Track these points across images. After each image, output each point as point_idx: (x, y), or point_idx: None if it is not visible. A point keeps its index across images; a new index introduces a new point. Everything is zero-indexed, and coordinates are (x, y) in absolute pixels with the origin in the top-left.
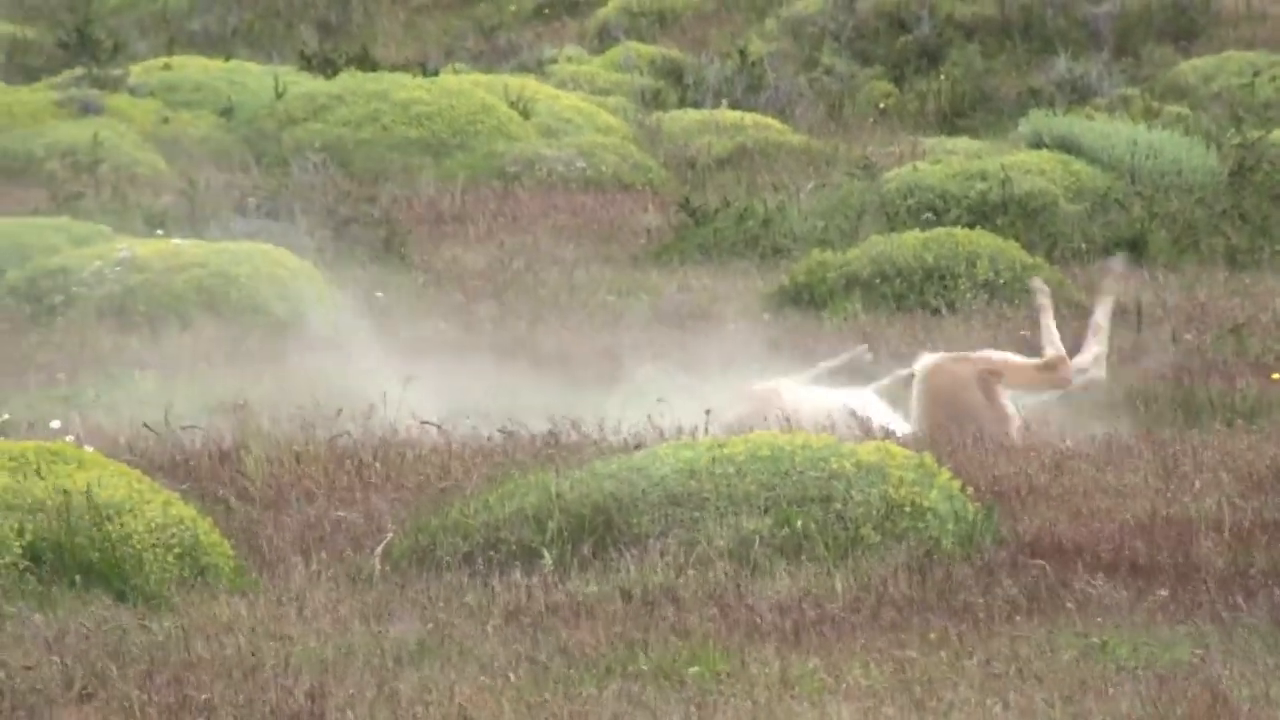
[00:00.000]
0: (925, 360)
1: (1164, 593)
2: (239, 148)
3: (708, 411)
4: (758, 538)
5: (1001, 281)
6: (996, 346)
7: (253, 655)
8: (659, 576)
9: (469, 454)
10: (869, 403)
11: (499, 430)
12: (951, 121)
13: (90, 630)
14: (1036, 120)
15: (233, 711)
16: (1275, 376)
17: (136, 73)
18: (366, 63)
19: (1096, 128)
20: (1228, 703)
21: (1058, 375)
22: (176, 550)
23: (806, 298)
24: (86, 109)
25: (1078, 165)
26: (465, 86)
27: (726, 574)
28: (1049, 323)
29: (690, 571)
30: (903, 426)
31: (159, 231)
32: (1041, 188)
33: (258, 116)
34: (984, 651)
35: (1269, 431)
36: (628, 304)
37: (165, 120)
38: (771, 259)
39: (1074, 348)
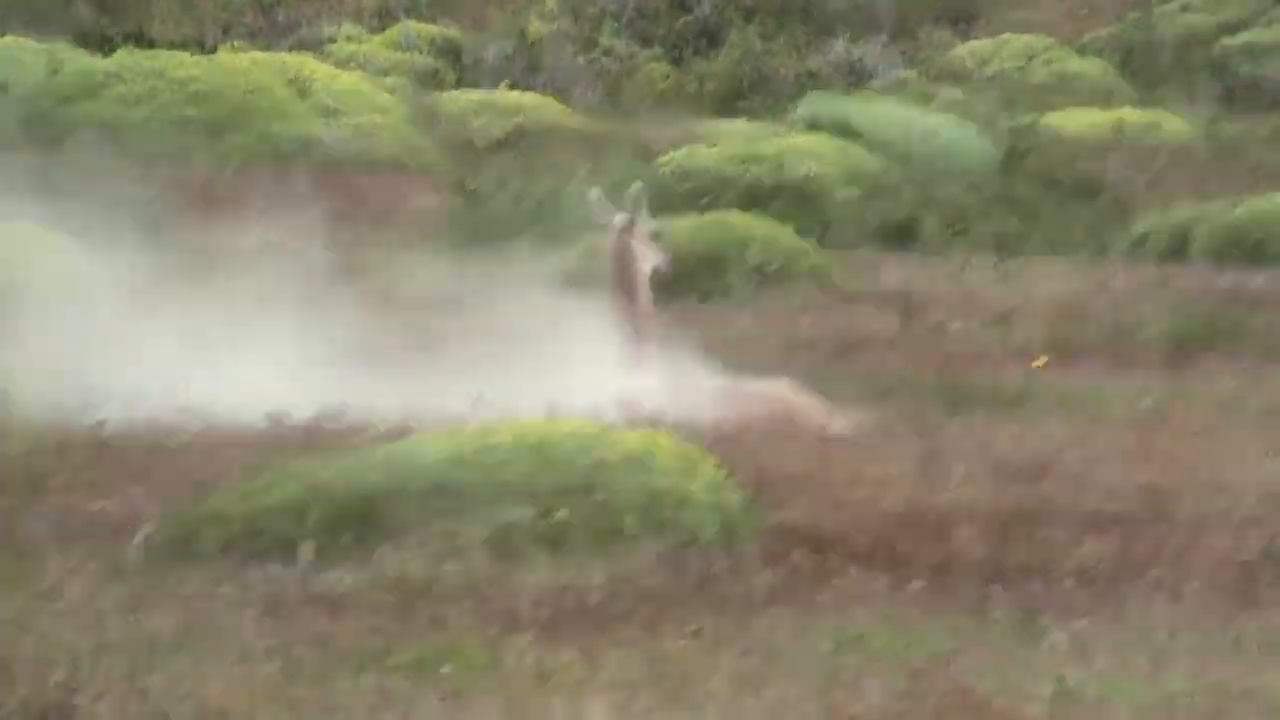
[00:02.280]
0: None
1: (921, 583)
2: (12, 126)
3: (474, 398)
4: (518, 528)
5: (772, 267)
6: (766, 332)
7: (4, 649)
8: (418, 568)
9: (232, 442)
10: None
11: (263, 417)
12: (730, 104)
13: None
14: (814, 103)
15: None
16: (1035, 364)
17: None
18: (143, 40)
19: (873, 111)
20: (975, 695)
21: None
22: None
23: (583, 281)
24: None
25: (853, 149)
26: (243, 64)
27: (485, 565)
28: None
29: (450, 563)
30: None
31: None
32: (816, 172)
33: (31, 94)
34: (740, 643)
35: (1031, 421)
36: (400, 286)
37: None
38: (547, 241)
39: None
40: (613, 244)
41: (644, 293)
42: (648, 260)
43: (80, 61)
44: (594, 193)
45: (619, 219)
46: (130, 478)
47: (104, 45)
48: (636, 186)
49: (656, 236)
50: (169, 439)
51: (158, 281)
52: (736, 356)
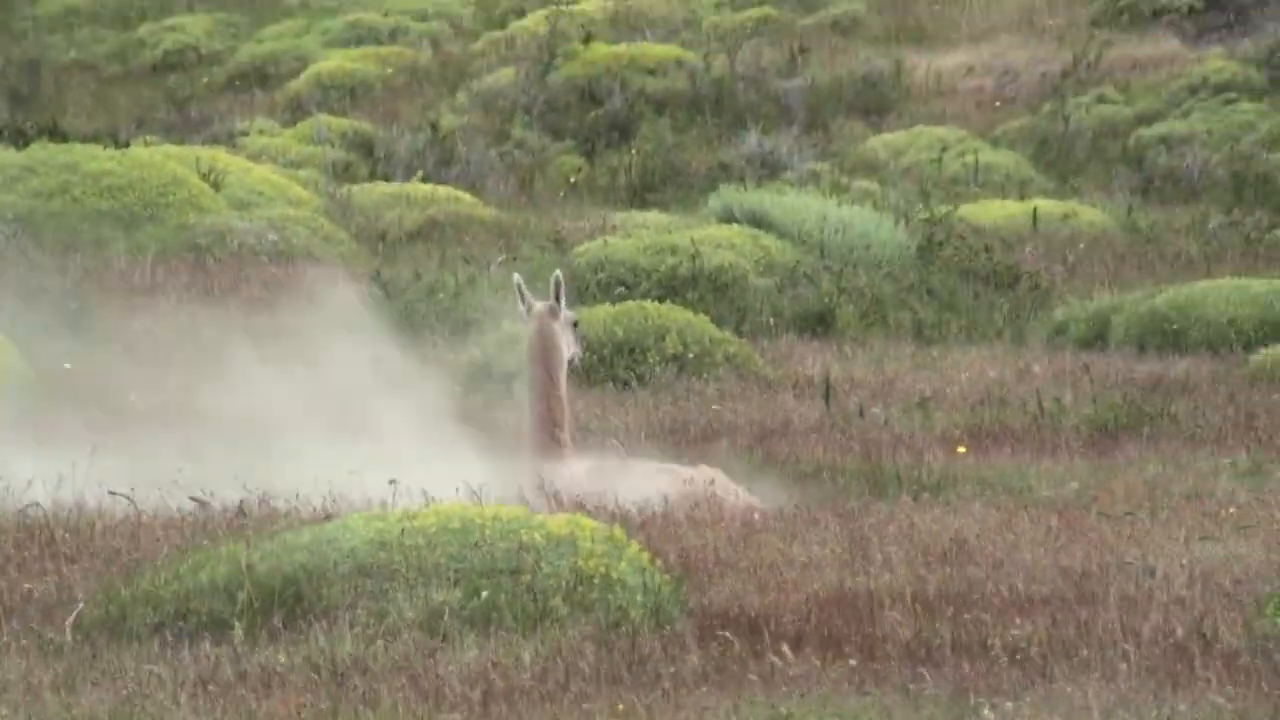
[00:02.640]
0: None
1: (852, 663)
2: None
3: (392, 482)
4: (447, 609)
5: (691, 355)
6: (686, 419)
7: None
8: (349, 647)
9: (160, 524)
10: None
11: (190, 499)
12: (642, 196)
13: None
14: (727, 195)
15: None
16: (961, 449)
17: None
18: (57, 134)
19: (786, 202)
20: None
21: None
22: None
23: (496, 370)
24: None
25: (768, 240)
26: (157, 158)
27: (416, 644)
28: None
29: (380, 642)
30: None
31: None
32: (731, 262)
33: None
34: None
35: (953, 505)
36: (319, 375)
37: None
38: (462, 331)
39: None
40: (535, 328)
41: (562, 376)
42: (567, 347)
43: None
44: (516, 277)
45: (540, 305)
46: (61, 559)
47: (18, 139)
48: (557, 275)
49: (575, 325)
50: (97, 521)
51: (79, 370)
52: (658, 443)
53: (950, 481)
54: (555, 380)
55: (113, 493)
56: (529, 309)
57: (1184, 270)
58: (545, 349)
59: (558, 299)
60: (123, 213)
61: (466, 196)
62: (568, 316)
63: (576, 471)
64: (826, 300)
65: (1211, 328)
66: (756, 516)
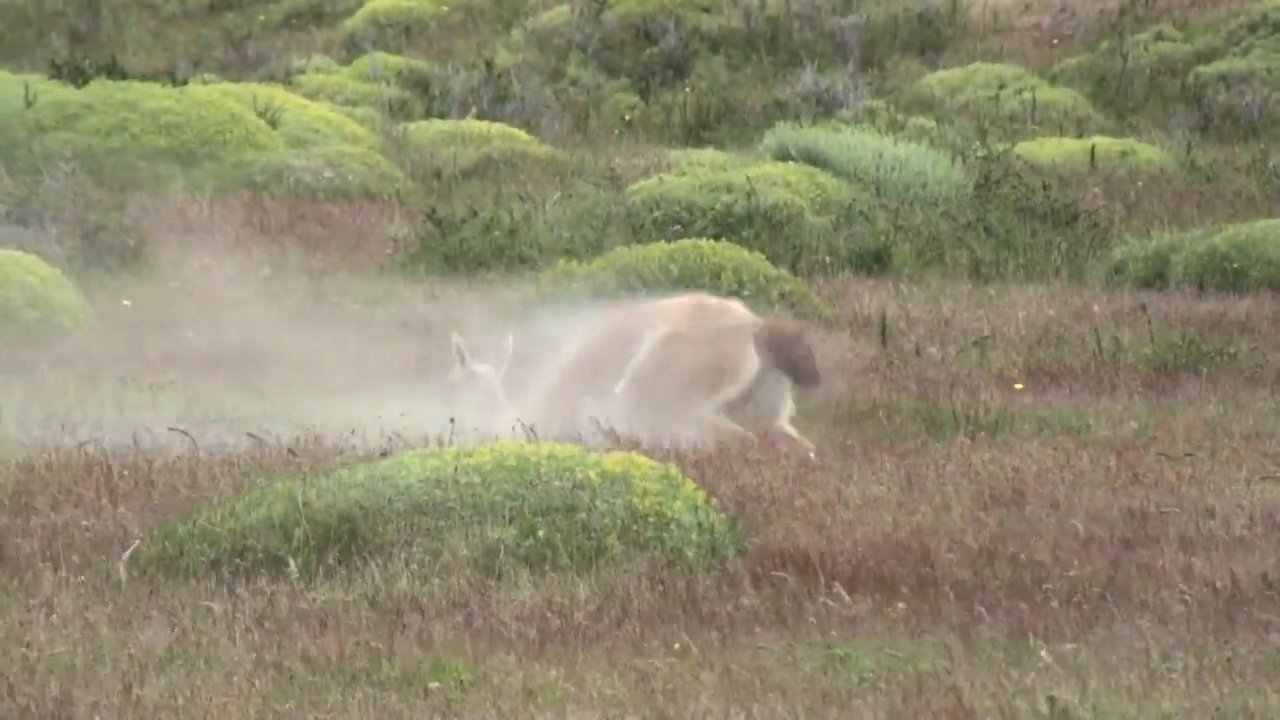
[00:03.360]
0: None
1: (907, 605)
2: None
3: (452, 420)
4: (502, 547)
5: (746, 293)
6: None
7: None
8: (404, 585)
9: (216, 462)
10: None
11: (247, 436)
12: (697, 134)
13: None
14: (782, 133)
15: None
16: (1018, 386)
17: None
18: (116, 72)
19: (842, 140)
20: (972, 713)
21: None
22: None
23: (553, 306)
24: None
25: (823, 178)
26: (214, 96)
27: (471, 583)
28: None
29: (435, 580)
30: None
31: None
32: (787, 200)
33: (8, 124)
34: (726, 662)
35: (1011, 445)
36: (374, 313)
37: None
38: (518, 269)
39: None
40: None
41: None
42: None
43: (55, 93)
44: (456, 336)
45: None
46: (117, 496)
47: (78, 77)
48: (457, 338)
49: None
50: (154, 458)
51: (137, 307)
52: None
53: (1008, 421)
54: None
55: (171, 429)
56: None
57: (1244, 209)
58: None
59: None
60: (180, 150)
61: (521, 134)
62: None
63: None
64: (883, 239)
65: (1272, 266)
66: (813, 455)
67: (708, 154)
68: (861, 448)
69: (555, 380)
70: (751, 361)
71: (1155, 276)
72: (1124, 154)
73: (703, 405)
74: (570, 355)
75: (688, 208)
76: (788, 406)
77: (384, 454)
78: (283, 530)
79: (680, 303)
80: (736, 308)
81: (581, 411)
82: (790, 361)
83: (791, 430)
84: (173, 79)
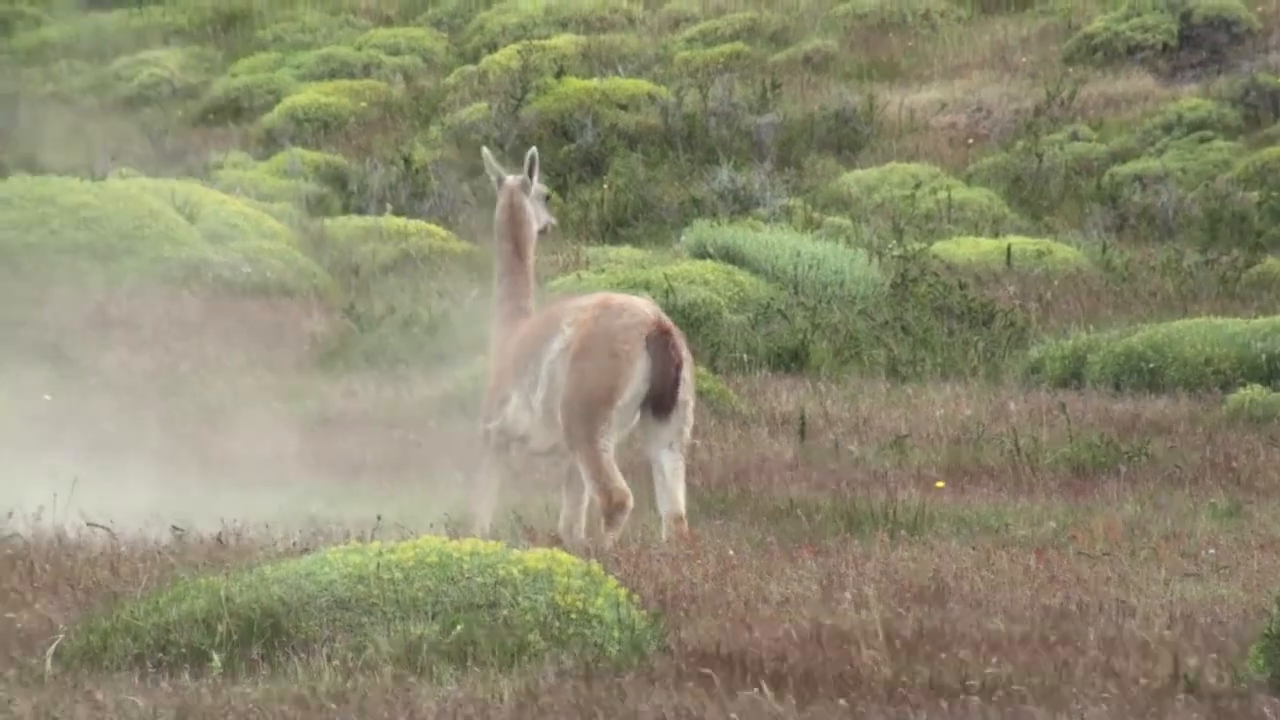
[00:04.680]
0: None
1: (839, 702)
2: None
3: (379, 517)
4: (425, 642)
5: None
6: None
7: None
8: (327, 680)
9: (139, 556)
10: None
11: (170, 530)
12: (614, 230)
13: None
14: (700, 230)
15: None
16: (939, 485)
17: None
18: (34, 167)
19: (760, 238)
20: None
21: None
22: None
23: (471, 404)
24: None
25: (741, 275)
26: (132, 191)
27: (394, 678)
28: None
29: (358, 675)
30: None
31: None
32: (705, 298)
33: None
34: None
35: (930, 544)
36: (294, 409)
37: None
38: (436, 365)
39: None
40: (504, 201)
41: (529, 249)
42: (537, 220)
43: None
44: (485, 150)
45: (513, 179)
46: (40, 589)
47: None
48: (532, 151)
49: (547, 199)
50: (77, 553)
51: (58, 401)
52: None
53: (927, 520)
54: (522, 254)
55: (92, 524)
56: (500, 182)
57: (1160, 309)
58: (513, 223)
59: (530, 174)
60: (99, 245)
61: (440, 230)
62: (539, 190)
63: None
64: (800, 336)
65: (1188, 367)
66: (732, 552)
67: (625, 251)
68: (781, 545)
69: (494, 367)
70: (642, 364)
71: (1072, 376)
72: (1040, 253)
73: (599, 418)
74: (507, 347)
75: None
76: (680, 428)
77: (305, 550)
78: (206, 625)
79: (588, 302)
80: (637, 305)
81: (507, 405)
82: (662, 375)
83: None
84: (91, 174)
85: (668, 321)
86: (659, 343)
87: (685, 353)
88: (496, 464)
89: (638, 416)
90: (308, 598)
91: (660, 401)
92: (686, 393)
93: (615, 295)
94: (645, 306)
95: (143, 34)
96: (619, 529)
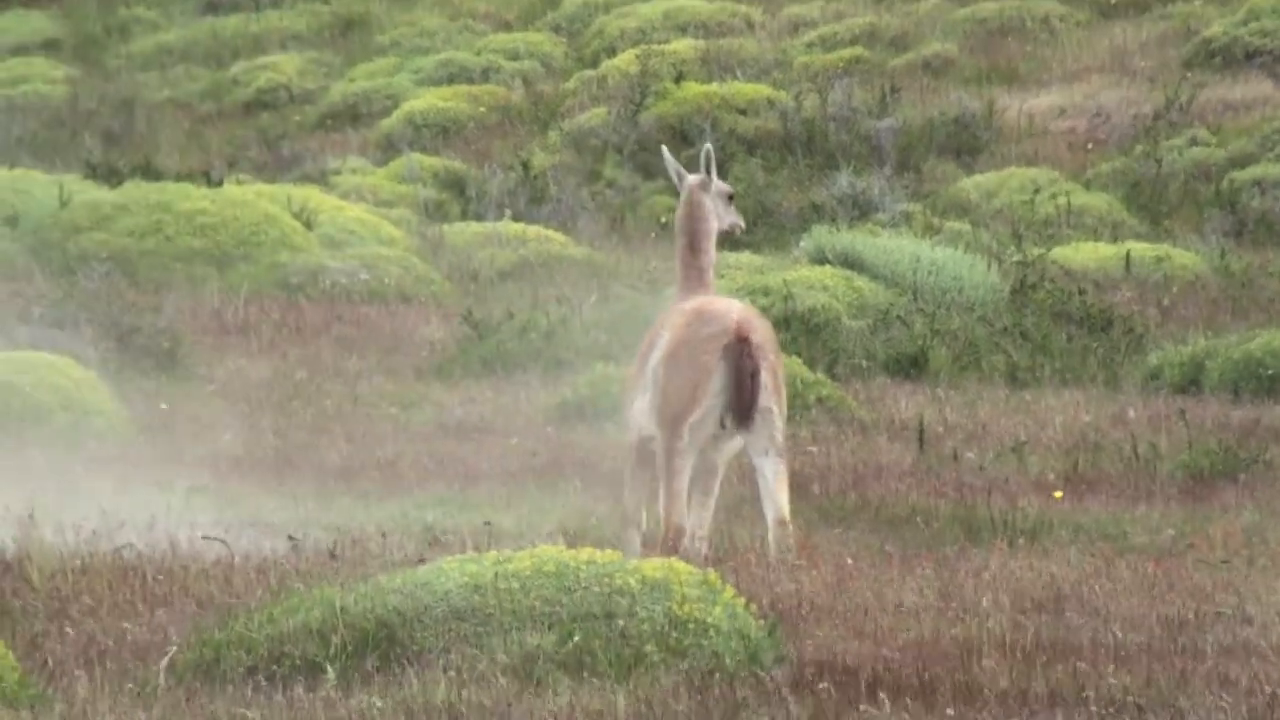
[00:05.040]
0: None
1: (949, 712)
2: (23, 256)
3: (487, 524)
4: (541, 653)
5: None
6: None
7: None
8: (443, 692)
9: (252, 567)
10: None
11: (284, 540)
12: (733, 236)
13: None
14: (819, 235)
15: None
16: (1057, 495)
17: None
18: (150, 172)
19: (879, 244)
20: None
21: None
22: None
23: (590, 411)
24: None
25: (860, 281)
26: (249, 197)
27: (509, 690)
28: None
29: (473, 687)
30: None
31: None
32: (824, 303)
33: (42, 225)
34: None
35: (1049, 551)
36: (411, 416)
37: None
38: (555, 371)
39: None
40: (684, 199)
41: (708, 247)
42: (717, 218)
43: (89, 193)
44: (665, 150)
45: (694, 177)
46: (154, 601)
47: (112, 178)
48: (707, 148)
49: (730, 198)
50: (190, 563)
51: (173, 410)
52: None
53: (1045, 527)
54: (697, 249)
55: (206, 536)
56: (680, 180)
57: (1279, 315)
58: (691, 219)
59: (708, 172)
60: (215, 251)
61: (558, 236)
62: (720, 188)
63: None
64: (920, 343)
65: None
66: (850, 561)
67: (744, 257)
68: (899, 553)
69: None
70: (719, 376)
71: (1191, 382)
72: (1159, 259)
73: (679, 428)
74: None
75: None
76: (770, 434)
77: (421, 559)
78: (320, 636)
79: (688, 307)
80: (723, 312)
81: (631, 409)
82: (739, 385)
83: (775, 479)
84: (207, 180)
85: (748, 328)
86: (735, 350)
87: (771, 357)
88: (637, 471)
89: (725, 425)
90: (423, 608)
91: (741, 410)
92: (768, 399)
93: (713, 301)
94: (731, 313)
95: (260, 39)
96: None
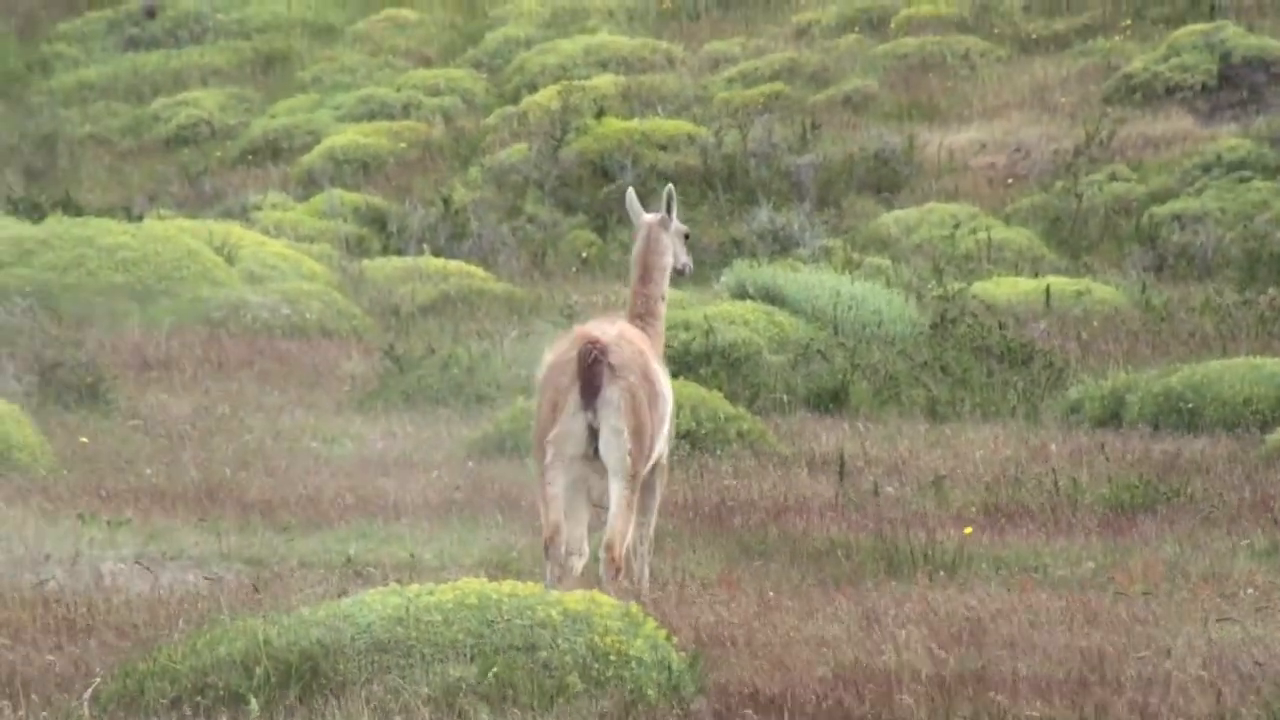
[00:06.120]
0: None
1: None
2: None
3: (411, 555)
4: (463, 685)
5: (703, 431)
6: (695, 496)
7: None
8: None
9: (175, 600)
10: None
11: (205, 576)
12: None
13: None
14: (740, 270)
15: None
16: (967, 530)
17: None
18: (72, 207)
19: (799, 279)
20: None
21: None
22: None
23: (510, 445)
24: None
25: (781, 316)
26: (170, 232)
27: None
28: None
29: (396, 719)
30: None
31: None
32: (745, 338)
33: None
34: None
35: (969, 584)
36: (333, 450)
37: None
38: (475, 406)
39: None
40: (643, 235)
41: (661, 281)
42: (672, 255)
43: (11, 228)
44: (630, 191)
45: (651, 216)
46: (77, 633)
47: (34, 213)
48: (669, 188)
49: (686, 237)
50: (113, 596)
51: (95, 444)
52: (671, 519)
53: (965, 560)
54: (649, 281)
55: (125, 571)
56: (638, 218)
57: (1199, 349)
58: (649, 253)
59: (669, 211)
60: (137, 286)
61: (479, 271)
62: (678, 228)
63: None
64: (840, 377)
65: (1227, 407)
66: (770, 594)
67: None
68: (819, 586)
69: None
70: (574, 396)
71: (1111, 416)
72: (1079, 293)
73: (542, 448)
74: None
75: None
76: (620, 457)
77: (343, 592)
78: (243, 668)
79: (573, 332)
80: (592, 331)
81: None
82: (585, 374)
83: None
84: (129, 215)
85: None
86: (584, 351)
87: (630, 379)
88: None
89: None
90: (346, 640)
91: (584, 391)
92: (617, 420)
93: (592, 326)
94: (593, 337)
95: (181, 75)
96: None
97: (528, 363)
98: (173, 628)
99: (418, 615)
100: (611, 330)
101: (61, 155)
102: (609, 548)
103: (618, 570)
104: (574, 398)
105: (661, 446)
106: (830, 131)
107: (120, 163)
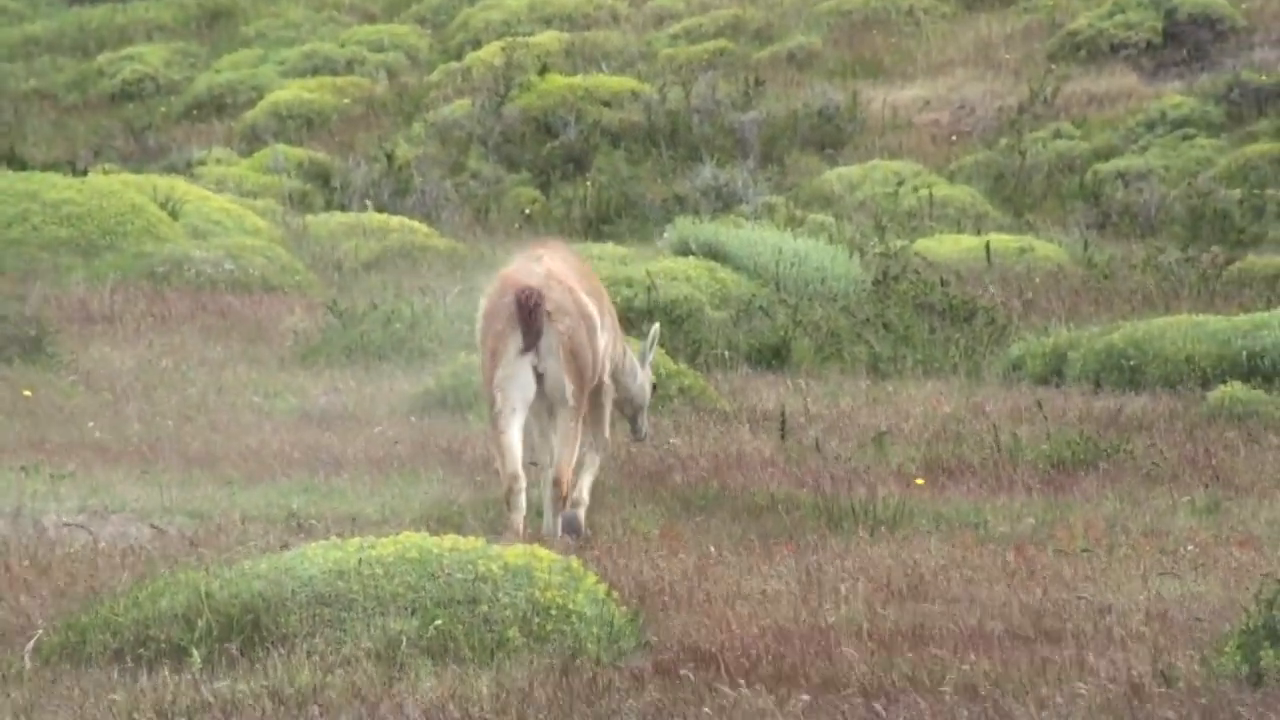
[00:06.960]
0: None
1: (806, 699)
2: None
3: (354, 519)
4: (404, 638)
5: None
6: (636, 451)
7: None
8: (306, 676)
9: (118, 552)
10: None
11: (148, 527)
12: (597, 227)
13: None
14: (682, 227)
15: None
16: (919, 481)
17: None
18: (16, 162)
19: (742, 235)
20: None
21: None
22: None
23: (452, 400)
24: None
25: (723, 273)
26: (115, 187)
27: (373, 674)
28: None
29: (337, 671)
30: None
31: None
32: (687, 294)
33: None
34: None
35: (909, 540)
36: (275, 405)
37: None
38: (418, 361)
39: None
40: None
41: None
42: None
43: None
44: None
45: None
46: (19, 586)
47: None
48: (655, 329)
49: (655, 388)
50: (55, 549)
51: (38, 398)
52: (612, 475)
53: (906, 516)
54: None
55: (68, 524)
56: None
57: (1141, 306)
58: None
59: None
60: (81, 241)
61: (422, 227)
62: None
63: None
64: (782, 333)
65: (1169, 364)
66: (712, 549)
67: (608, 248)
68: (760, 542)
69: None
70: (514, 338)
71: (1053, 373)
72: (1021, 251)
73: (490, 394)
74: None
75: None
76: (562, 388)
77: (285, 546)
78: (185, 620)
79: (498, 275)
80: (517, 280)
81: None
82: (524, 322)
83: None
84: (73, 169)
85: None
86: (528, 321)
87: (566, 321)
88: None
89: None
90: (287, 593)
91: (525, 334)
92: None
93: (519, 271)
94: (522, 280)
95: (126, 30)
96: (513, 511)
97: (470, 318)
98: (115, 581)
99: (359, 569)
100: (539, 271)
101: (6, 110)
102: (556, 482)
103: (565, 502)
104: (514, 343)
105: (605, 365)
106: (774, 88)
107: (65, 117)
